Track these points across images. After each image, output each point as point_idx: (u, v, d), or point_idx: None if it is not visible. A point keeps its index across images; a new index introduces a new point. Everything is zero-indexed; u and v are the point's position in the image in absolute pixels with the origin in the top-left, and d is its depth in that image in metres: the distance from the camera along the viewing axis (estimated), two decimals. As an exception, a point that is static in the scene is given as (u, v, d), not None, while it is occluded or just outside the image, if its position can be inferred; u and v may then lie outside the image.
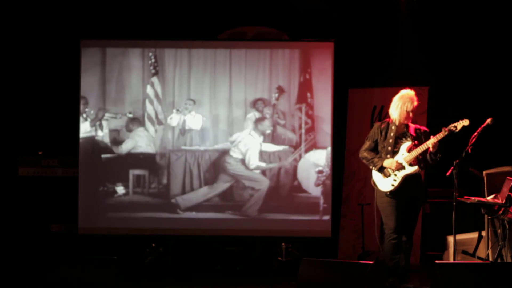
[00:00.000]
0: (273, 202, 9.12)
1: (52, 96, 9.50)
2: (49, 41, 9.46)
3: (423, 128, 7.44)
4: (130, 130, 9.18)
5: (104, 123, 9.17)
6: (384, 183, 7.33)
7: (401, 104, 7.27)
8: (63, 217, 9.19)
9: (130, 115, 9.16)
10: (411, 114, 7.28)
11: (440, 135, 7.13)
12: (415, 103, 7.28)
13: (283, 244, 9.02)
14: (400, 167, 7.25)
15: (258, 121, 9.15)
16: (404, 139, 7.32)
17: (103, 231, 9.09)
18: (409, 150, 7.26)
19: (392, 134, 7.32)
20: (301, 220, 9.09)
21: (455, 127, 7.13)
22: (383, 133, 7.36)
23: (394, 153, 7.30)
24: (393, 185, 7.28)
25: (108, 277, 7.20)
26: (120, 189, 9.17)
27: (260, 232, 9.12)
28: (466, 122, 7.13)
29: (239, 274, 8.72)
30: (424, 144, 7.18)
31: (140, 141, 9.17)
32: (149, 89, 9.19)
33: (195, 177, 9.19)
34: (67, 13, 9.40)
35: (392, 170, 7.25)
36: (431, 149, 7.16)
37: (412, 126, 7.36)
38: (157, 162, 9.18)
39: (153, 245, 9.11)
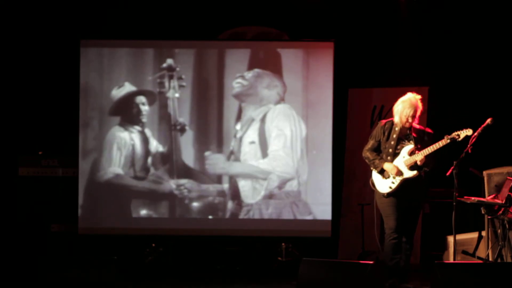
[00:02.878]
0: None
1: (52, 96, 9.50)
2: (49, 41, 9.46)
3: (427, 129, 7.40)
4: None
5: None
6: (382, 185, 7.32)
7: (401, 109, 7.25)
8: (63, 217, 9.19)
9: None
10: (410, 120, 7.24)
11: (442, 142, 7.10)
12: (418, 109, 7.23)
13: (283, 244, 9.02)
14: (400, 174, 7.23)
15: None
16: (406, 141, 7.30)
17: (103, 231, 9.09)
18: (411, 153, 7.24)
19: (394, 136, 7.29)
20: (301, 220, 9.09)
21: (458, 135, 7.09)
22: (386, 134, 7.34)
23: (395, 155, 7.27)
24: (390, 187, 7.27)
25: (108, 277, 7.21)
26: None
27: (260, 232, 9.11)
28: (469, 132, 7.09)
29: (239, 274, 8.71)
30: (425, 150, 7.14)
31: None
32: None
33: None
34: (67, 13, 9.40)
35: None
36: (419, 163, 7.13)
37: (416, 127, 7.33)
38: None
39: (153, 245, 9.11)
